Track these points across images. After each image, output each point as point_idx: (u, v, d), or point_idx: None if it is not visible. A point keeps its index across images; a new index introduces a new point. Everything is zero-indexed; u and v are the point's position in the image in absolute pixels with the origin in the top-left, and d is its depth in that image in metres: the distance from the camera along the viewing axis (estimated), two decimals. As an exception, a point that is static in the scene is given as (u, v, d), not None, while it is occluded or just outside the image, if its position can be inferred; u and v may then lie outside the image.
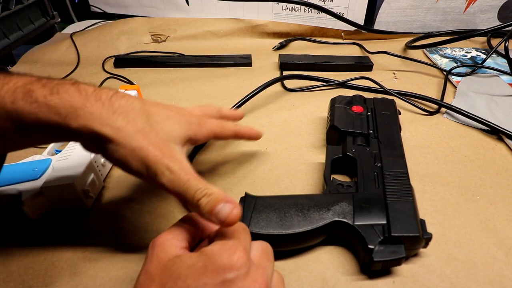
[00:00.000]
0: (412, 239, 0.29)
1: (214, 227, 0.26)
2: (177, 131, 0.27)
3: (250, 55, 0.70)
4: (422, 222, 0.30)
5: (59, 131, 0.24)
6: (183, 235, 0.24)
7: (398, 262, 0.29)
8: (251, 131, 0.38)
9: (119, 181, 0.41)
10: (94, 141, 0.24)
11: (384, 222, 0.30)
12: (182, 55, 0.72)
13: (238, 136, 0.36)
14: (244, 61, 0.68)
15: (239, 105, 0.51)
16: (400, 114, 0.45)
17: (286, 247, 0.32)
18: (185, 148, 0.28)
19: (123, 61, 0.69)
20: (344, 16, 0.77)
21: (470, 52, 0.70)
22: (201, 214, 0.24)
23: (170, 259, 0.22)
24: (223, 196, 0.24)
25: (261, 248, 0.25)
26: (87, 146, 0.26)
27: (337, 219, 0.30)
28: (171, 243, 0.23)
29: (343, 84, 0.59)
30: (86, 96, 0.24)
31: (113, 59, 0.70)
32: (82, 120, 0.23)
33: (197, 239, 0.26)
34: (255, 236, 0.30)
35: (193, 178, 0.24)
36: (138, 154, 0.24)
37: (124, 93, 0.26)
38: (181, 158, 0.25)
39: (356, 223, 0.30)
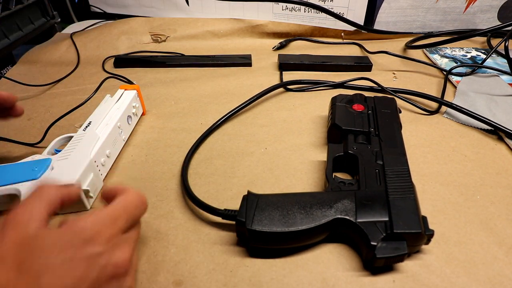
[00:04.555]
0: (414, 235, 0.29)
1: (72, 192, 0.25)
2: None
3: (250, 55, 0.71)
4: (424, 218, 0.30)
5: None
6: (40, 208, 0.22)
7: (401, 258, 0.29)
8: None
9: (118, 181, 0.41)
10: None
11: (386, 219, 0.30)
12: (182, 55, 0.72)
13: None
14: (244, 61, 0.68)
15: (239, 108, 0.52)
16: (400, 112, 0.45)
17: (289, 244, 0.32)
18: None
19: (123, 61, 0.69)
20: (344, 16, 0.77)
21: (470, 52, 0.70)
22: None
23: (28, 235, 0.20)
24: None
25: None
26: None
27: (339, 216, 0.31)
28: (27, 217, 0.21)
29: (343, 85, 0.59)
30: None
31: (113, 59, 0.70)
32: None
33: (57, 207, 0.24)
34: (258, 234, 0.30)
35: None
36: None
37: None
38: None
39: (359, 220, 0.30)
